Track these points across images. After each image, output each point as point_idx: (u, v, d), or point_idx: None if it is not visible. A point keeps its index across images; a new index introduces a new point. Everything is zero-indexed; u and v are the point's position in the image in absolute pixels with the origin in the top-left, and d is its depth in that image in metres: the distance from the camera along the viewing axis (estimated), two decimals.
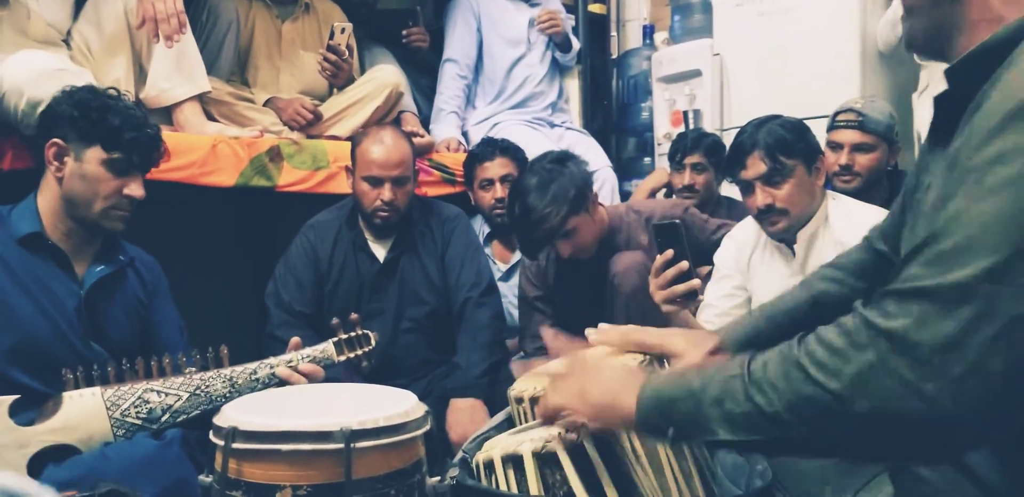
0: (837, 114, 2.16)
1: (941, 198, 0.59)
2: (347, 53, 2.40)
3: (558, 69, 2.98)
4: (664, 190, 2.66)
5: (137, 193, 1.47)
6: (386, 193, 1.94)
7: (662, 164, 2.93)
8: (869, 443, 0.60)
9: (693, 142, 2.43)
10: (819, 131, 2.03)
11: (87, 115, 1.44)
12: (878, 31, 2.53)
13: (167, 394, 1.32)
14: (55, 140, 1.45)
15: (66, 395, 1.31)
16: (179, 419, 1.33)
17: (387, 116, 2.46)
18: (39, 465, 1.27)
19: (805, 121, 1.75)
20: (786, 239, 1.71)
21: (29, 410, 1.32)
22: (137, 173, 1.48)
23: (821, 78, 2.57)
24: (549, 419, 0.93)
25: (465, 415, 1.79)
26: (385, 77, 2.46)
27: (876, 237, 1.04)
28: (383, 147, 1.96)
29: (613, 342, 1.09)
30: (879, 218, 1.64)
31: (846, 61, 2.56)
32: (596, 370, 0.89)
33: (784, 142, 1.62)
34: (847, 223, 1.63)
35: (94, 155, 1.44)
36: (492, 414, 1.79)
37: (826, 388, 0.59)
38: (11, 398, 1.28)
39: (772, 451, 0.66)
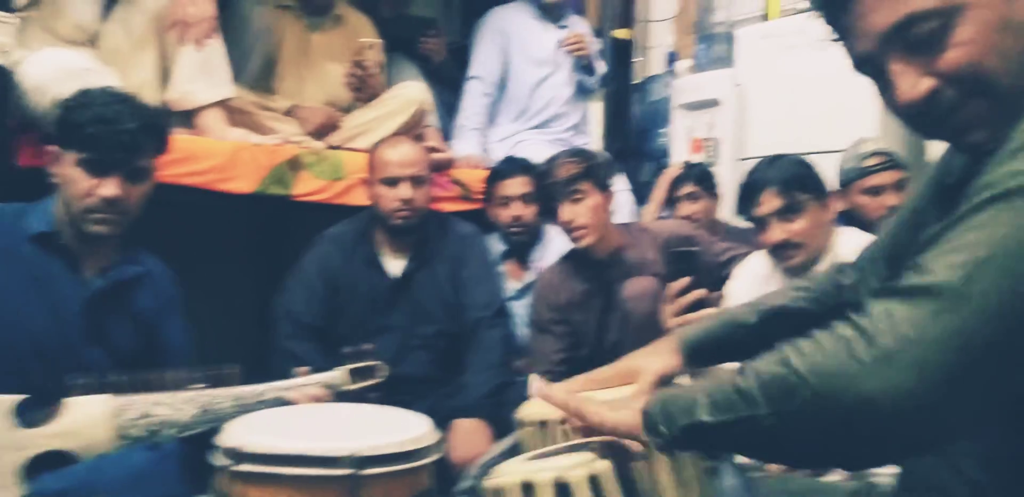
0: (864, 159, 2.13)
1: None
2: (373, 68, 2.40)
3: (582, 91, 2.99)
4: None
5: (108, 193, 1.37)
6: (404, 191, 1.95)
7: None
8: (825, 432, 0.63)
9: (682, 176, 2.43)
10: (837, 165, 2.04)
11: (64, 116, 1.40)
12: None
13: (174, 409, 1.31)
14: (48, 147, 1.42)
15: (73, 400, 1.29)
16: (183, 434, 1.31)
17: (410, 133, 2.46)
18: (36, 470, 1.24)
19: (825, 154, 1.77)
20: (800, 274, 1.71)
21: (35, 411, 1.29)
22: (114, 173, 1.39)
23: (841, 112, 2.55)
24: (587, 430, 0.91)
25: (468, 436, 1.77)
26: (412, 94, 2.45)
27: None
28: (397, 148, 2.01)
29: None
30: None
31: (867, 96, 2.54)
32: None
33: (798, 177, 1.68)
34: (854, 252, 1.63)
35: (71, 156, 1.39)
36: (496, 436, 1.77)
37: (792, 367, 0.63)
38: (18, 397, 1.26)
39: (740, 440, 0.69)
